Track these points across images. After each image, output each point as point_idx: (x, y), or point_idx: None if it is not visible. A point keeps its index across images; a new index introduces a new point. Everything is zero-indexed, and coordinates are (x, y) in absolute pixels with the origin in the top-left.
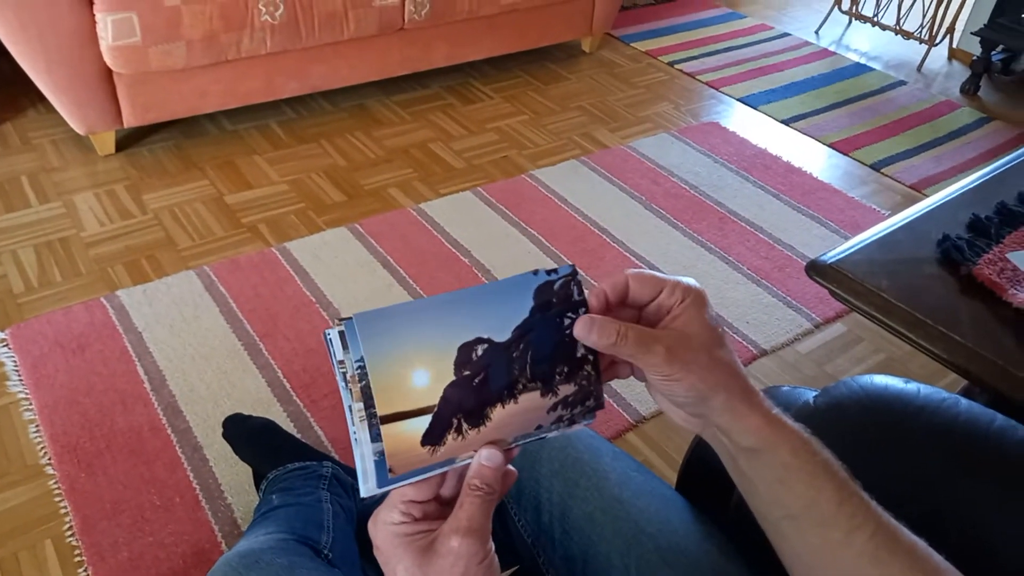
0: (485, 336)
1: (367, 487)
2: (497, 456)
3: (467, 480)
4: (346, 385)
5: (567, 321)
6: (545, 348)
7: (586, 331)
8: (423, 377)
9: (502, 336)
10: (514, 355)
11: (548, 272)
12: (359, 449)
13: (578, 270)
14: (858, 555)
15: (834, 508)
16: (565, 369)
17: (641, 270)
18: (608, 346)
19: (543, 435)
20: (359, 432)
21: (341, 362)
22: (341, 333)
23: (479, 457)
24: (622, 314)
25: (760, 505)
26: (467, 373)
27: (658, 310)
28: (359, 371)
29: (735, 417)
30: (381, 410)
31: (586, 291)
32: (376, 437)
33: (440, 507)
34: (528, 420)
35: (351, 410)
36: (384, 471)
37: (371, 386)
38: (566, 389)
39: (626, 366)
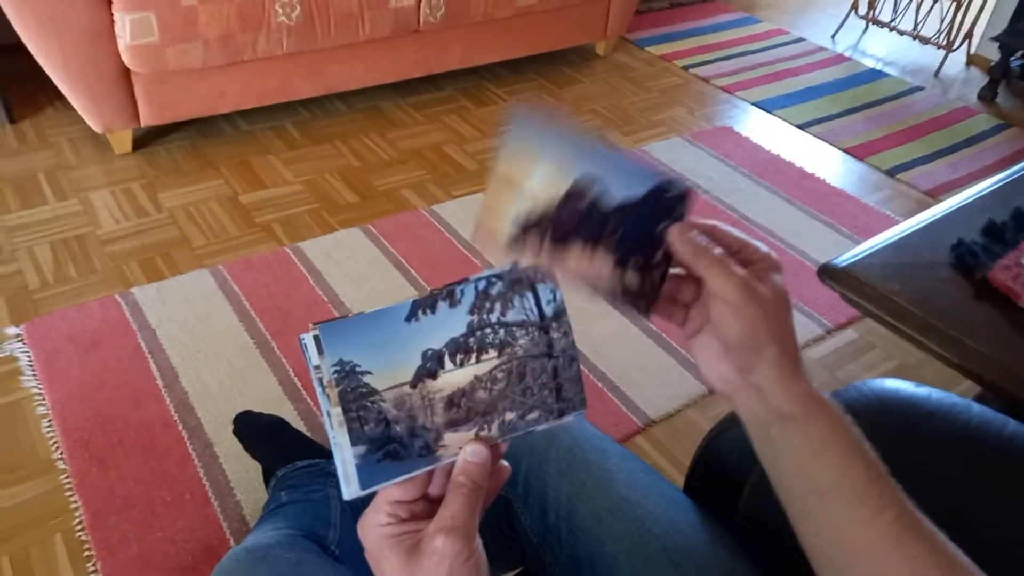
0: (600, 189)
1: (349, 490)
2: (482, 451)
3: (452, 476)
4: (323, 390)
5: (661, 225)
6: (634, 235)
7: (678, 232)
8: (542, 176)
9: (608, 202)
10: (609, 222)
11: (669, 181)
12: (340, 453)
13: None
14: (882, 535)
15: (863, 485)
16: (641, 261)
17: (725, 226)
18: (694, 251)
19: (531, 429)
20: (338, 437)
21: (317, 367)
22: (316, 338)
23: (464, 453)
24: None
25: (786, 477)
26: (573, 199)
27: (739, 262)
28: (336, 376)
29: (781, 376)
30: (498, 170)
31: None
32: (356, 441)
33: (429, 506)
34: (597, 280)
35: (329, 416)
36: (366, 474)
37: (497, 163)
38: (631, 279)
39: (681, 309)
